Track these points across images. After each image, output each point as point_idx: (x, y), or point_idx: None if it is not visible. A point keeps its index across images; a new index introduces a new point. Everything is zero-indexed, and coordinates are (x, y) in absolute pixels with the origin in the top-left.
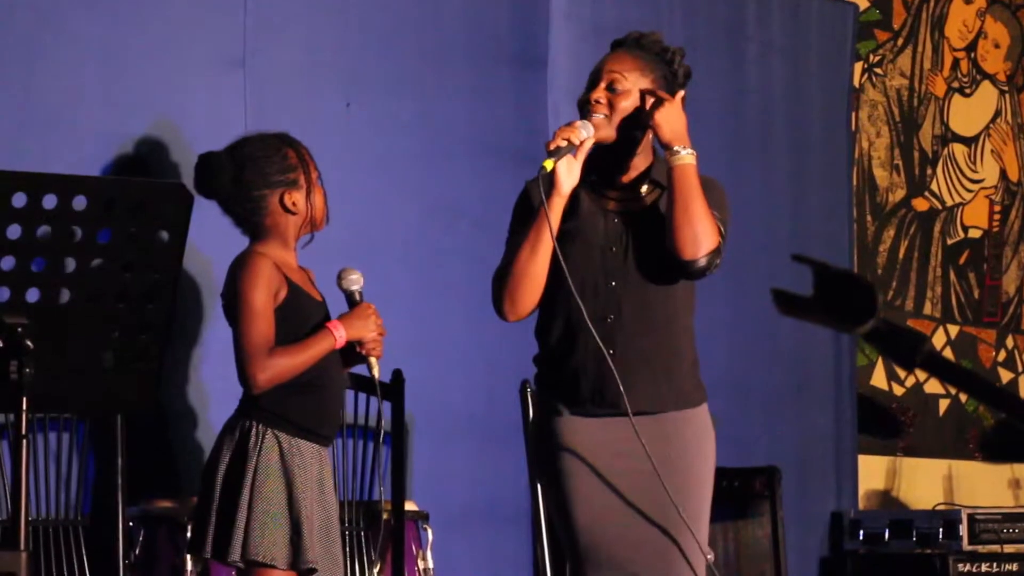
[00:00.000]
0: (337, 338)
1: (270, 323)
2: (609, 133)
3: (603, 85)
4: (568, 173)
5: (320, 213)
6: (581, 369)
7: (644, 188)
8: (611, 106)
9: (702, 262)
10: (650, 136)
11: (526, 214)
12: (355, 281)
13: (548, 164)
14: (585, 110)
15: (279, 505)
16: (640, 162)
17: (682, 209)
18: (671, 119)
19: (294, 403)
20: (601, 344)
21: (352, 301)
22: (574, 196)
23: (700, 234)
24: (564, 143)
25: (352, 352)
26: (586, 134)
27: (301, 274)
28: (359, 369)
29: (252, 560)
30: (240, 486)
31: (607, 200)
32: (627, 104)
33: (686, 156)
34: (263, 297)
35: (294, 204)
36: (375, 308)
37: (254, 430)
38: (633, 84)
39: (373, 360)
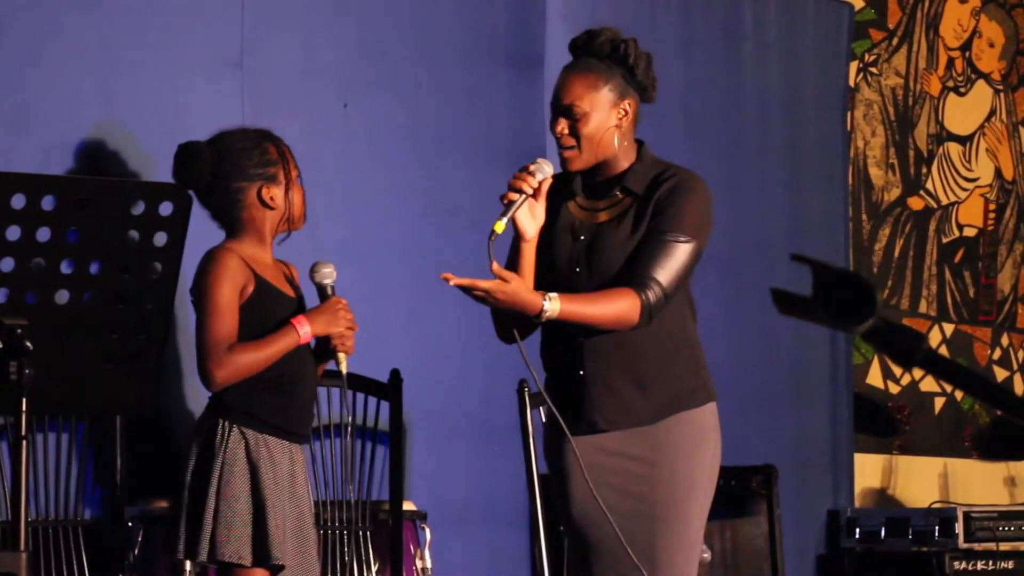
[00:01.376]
0: (301, 334)
1: (232, 320)
2: (583, 163)
3: (562, 117)
4: (531, 218)
5: (298, 211)
6: (560, 391)
7: (617, 195)
8: (576, 134)
9: (642, 322)
10: (626, 143)
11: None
12: (327, 275)
13: (499, 227)
14: (557, 141)
15: (244, 502)
16: (622, 164)
17: (594, 326)
18: (507, 303)
19: (262, 400)
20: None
21: (324, 295)
22: (554, 208)
23: (620, 321)
24: (517, 196)
25: (327, 348)
26: (541, 176)
27: (275, 270)
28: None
29: (219, 560)
30: (207, 484)
31: (586, 215)
32: (591, 128)
33: (549, 311)
34: (226, 294)
35: (272, 199)
36: (346, 303)
37: (220, 427)
38: (590, 104)
39: (341, 355)
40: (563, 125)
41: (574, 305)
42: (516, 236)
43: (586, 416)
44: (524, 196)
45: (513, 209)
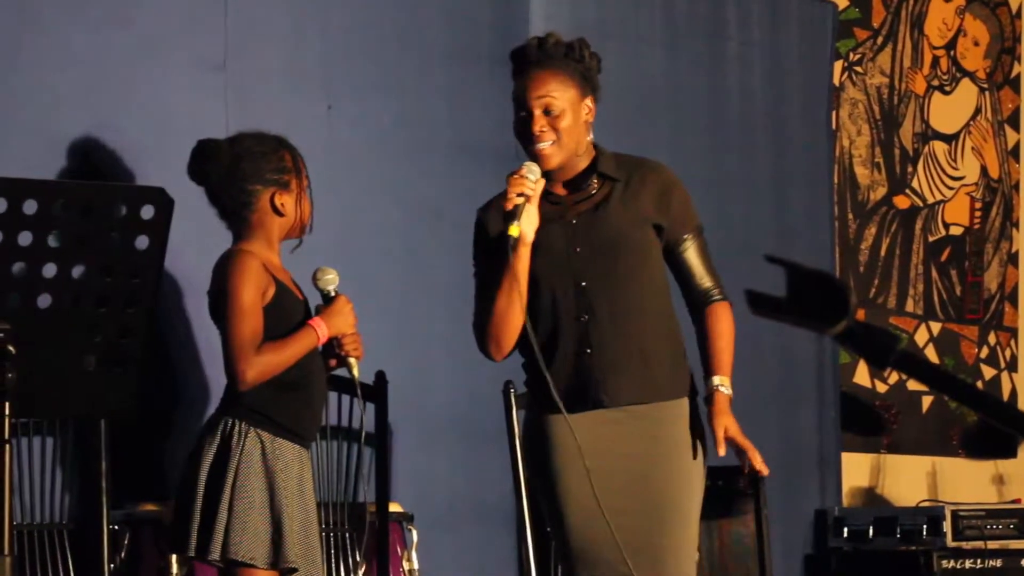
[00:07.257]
0: (320, 335)
1: (258, 320)
2: (562, 159)
3: (539, 113)
4: (529, 222)
5: (306, 220)
6: (562, 372)
7: (594, 183)
8: (555, 130)
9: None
10: (589, 137)
11: (485, 247)
12: (331, 281)
13: (514, 231)
14: (525, 138)
15: (260, 504)
16: (583, 161)
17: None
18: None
19: (278, 402)
20: (546, 345)
21: (327, 301)
22: None
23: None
24: (520, 199)
25: (331, 353)
26: (534, 178)
27: (285, 274)
28: (341, 371)
29: (232, 559)
30: (222, 485)
31: (563, 207)
32: (567, 123)
33: (727, 390)
34: (251, 294)
35: (283, 206)
36: (349, 300)
37: (237, 429)
38: (565, 100)
39: (353, 361)
40: (542, 122)
41: (727, 358)
42: (516, 239)
43: (590, 394)
44: (526, 199)
45: (520, 210)
